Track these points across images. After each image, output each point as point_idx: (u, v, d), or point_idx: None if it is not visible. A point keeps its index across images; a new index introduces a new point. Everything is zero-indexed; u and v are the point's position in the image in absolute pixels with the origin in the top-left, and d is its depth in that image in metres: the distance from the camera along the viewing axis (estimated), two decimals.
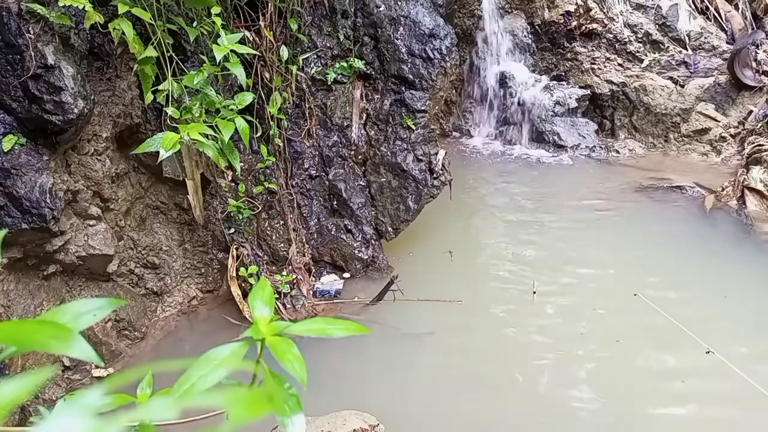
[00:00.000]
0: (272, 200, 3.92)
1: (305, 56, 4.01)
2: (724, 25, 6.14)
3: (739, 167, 5.23)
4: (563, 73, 6.37)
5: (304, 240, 3.99)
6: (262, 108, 3.80)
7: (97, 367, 3.22)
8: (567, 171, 5.64)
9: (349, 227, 4.05)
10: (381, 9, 4.19)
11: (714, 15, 6.17)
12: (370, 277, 3.99)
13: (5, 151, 2.84)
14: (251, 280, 3.63)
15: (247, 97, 3.28)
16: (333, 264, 4.06)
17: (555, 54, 6.38)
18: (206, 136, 2.98)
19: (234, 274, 3.66)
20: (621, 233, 4.55)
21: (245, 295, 3.63)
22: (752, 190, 4.81)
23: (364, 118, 4.22)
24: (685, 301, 3.67)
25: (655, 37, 6.09)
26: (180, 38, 3.44)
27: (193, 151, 3.46)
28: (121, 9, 2.83)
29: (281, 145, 3.92)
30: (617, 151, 5.94)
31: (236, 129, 3.08)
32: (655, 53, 6.12)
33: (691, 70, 6.01)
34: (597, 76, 6.22)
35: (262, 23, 3.72)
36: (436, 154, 4.16)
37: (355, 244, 4.02)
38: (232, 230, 3.77)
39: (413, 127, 4.11)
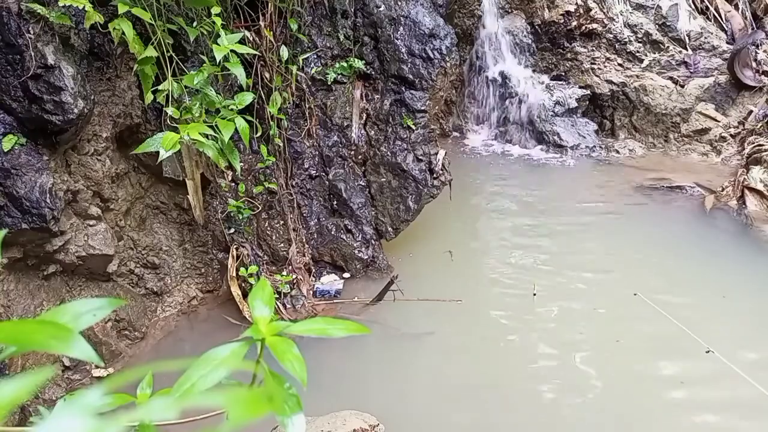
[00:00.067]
0: (272, 200, 3.92)
1: (305, 56, 4.01)
2: (724, 25, 6.14)
3: (739, 167, 5.23)
4: (563, 73, 6.37)
5: (304, 240, 3.99)
6: (262, 108, 3.80)
7: (97, 367, 3.22)
8: (567, 171, 5.64)
9: (349, 227, 4.05)
10: (381, 9, 4.19)
11: (714, 15, 6.17)
12: (370, 277, 3.99)
13: (5, 151, 2.84)
14: (251, 280, 3.63)
15: (247, 97, 3.28)
16: (333, 264, 4.06)
17: (555, 54, 6.38)
18: (206, 136, 2.98)
19: (234, 274, 3.66)
20: (621, 233, 4.55)
21: (245, 295, 3.63)
22: (752, 190, 4.81)
23: (364, 118, 4.22)
24: (685, 300, 3.67)
25: (655, 37, 6.09)
26: (180, 38, 3.45)
27: (193, 151, 3.46)
28: (121, 9, 2.83)
29: (281, 145, 3.92)
30: (617, 151, 5.95)
31: (236, 129, 3.08)
32: (655, 53, 6.12)
33: (691, 70, 6.01)
34: (597, 76, 6.22)
35: (262, 23, 3.72)
36: (436, 154, 4.16)
37: (355, 244, 4.02)
38: (232, 230, 3.77)
39: (413, 127, 4.11)
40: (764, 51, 5.73)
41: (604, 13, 6.14)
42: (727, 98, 5.84)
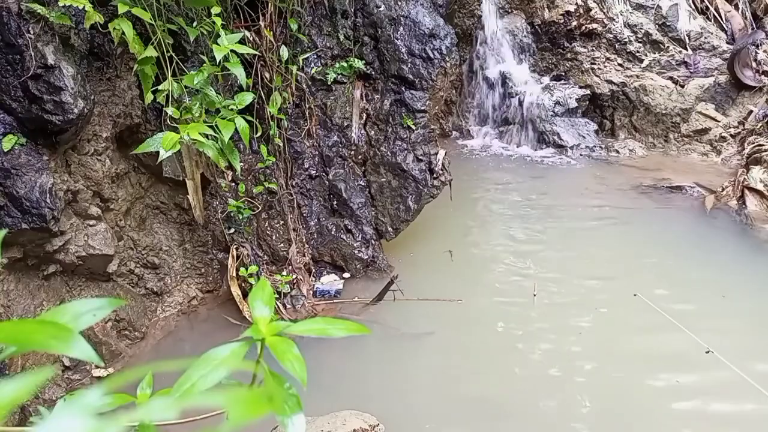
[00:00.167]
0: (272, 200, 3.92)
1: (305, 56, 4.01)
2: (724, 25, 6.14)
3: (739, 167, 5.23)
4: (563, 73, 6.38)
5: (304, 240, 3.99)
6: (262, 108, 3.80)
7: (97, 367, 3.22)
8: (567, 171, 5.65)
9: (349, 227, 4.05)
10: (381, 9, 4.19)
11: (714, 15, 6.17)
12: (370, 277, 3.99)
13: (5, 151, 2.84)
14: (251, 280, 3.63)
15: (247, 97, 3.28)
16: (333, 264, 4.06)
17: (555, 54, 6.39)
18: (206, 136, 2.98)
19: (234, 274, 3.66)
20: (621, 233, 4.55)
21: (245, 295, 3.63)
22: (752, 190, 4.81)
23: (364, 118, 4.22)
24: (685, 300, 3.67)
25: (655, 37, 6.09)
26: (180, 38, 3.45)
27: (193, 151, 3.46)
28: (121, 9, 2.83)
29: (281, 145, 3.92)
30: (617, 151, 5.95)
31: (236, 129, 3.08)
32: (655, 53, 6.13)
33: (691, 70, 6.01)
34: (597, 76, 6.22)
35: (262, 23, 3.72)
36: (436, 154, 4.16)
37: (355, 244, 4.02)
38: (232, 230, 3.77)
39: (413, 127, 4.11)
40: (764, 51, 5.73)
41: (604, 13, 6.14)
42: (727, 98, 5.84)
